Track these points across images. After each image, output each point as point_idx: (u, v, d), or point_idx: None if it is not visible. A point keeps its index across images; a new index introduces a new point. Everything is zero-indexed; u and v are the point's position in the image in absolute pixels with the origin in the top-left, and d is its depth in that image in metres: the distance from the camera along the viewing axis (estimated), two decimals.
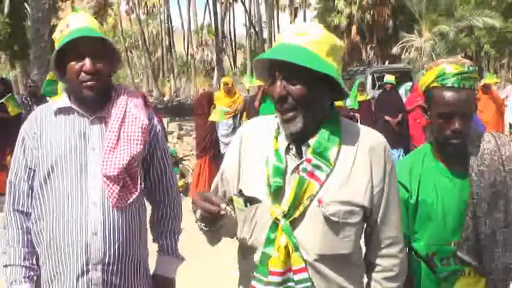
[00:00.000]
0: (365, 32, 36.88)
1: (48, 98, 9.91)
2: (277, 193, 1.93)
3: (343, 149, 1.96)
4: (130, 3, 56.59)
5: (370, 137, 2.03)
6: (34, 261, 2.54)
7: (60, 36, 2.42)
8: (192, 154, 11.82)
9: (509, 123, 11.32)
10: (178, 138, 15.72)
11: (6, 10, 20.14)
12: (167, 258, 2.71)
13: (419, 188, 2.43)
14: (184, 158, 12.72)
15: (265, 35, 43.79)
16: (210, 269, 6.57)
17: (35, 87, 12.32)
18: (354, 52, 36.25)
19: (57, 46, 2.39)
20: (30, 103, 11.11)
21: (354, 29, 35.42)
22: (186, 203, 11.00)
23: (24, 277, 2.47)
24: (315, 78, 1.87)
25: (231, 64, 53.98)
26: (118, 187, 2.40)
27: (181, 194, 10.43)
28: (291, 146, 1.98)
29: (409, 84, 14.22)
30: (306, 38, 1.89)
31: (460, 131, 2.28)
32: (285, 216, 1.90)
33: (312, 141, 1.94)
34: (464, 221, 2.36)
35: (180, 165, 11.75)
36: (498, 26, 31.17)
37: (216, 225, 1.95)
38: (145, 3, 62.71)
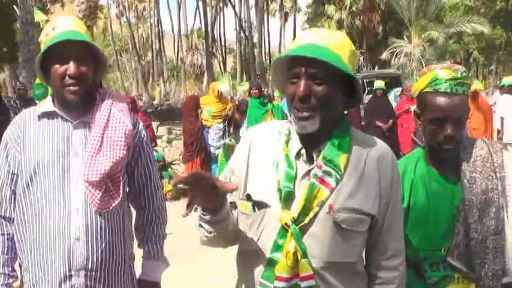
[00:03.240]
0: (355, 37, 36.99)
1: (37, 101, 9.90)
2: (287, 198, 1.89)
3: (353, 157, 1.95)
4: (121, 7, 56.54)
5: (378, 147, 2.02)
6: (14, 268, 2.52)
7: (46, 39, 2.42)
8: (182, 158, 11.79)
9: (497, 129, 11.36)
10: (167, 142, 15.73)
11: None
12: (153, 263, 2.69)
13: (411, 192, 2.41)
14: (174, 162, 12.72)
15: (255, 39, 43.81)
16: (196, 274, 6.56)
17: (23, 90, 12.30)
18: None
19: (42, 49, 2.38)
20: (18, 106, 11.08)
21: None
22: (176, 207, 10.96)
23: (2, 284, 2.45)
24: (337, 82, 1.88)
25: (221, 68, 53.97)
26: (100, 192, 2.38)
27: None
28: (301, 152, 1.96)
29: (399, 89, 14.32)
30: (330, 41, 1.90)
31: (452, 136, 2.27)
32: (295, 222, 1.86)
33: (323, 147, 1.93)
34: (454, 226, 2.35)
35: (169, 169, 11.74)
36: (487, 33, 31.38)
37: (216, 212, 1.90)
38: (136, 6, 62.62)
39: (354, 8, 33.45)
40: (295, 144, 1.98)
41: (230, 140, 10.16)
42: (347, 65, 1.89)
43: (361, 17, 34.14)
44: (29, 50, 16.77)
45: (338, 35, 1.96)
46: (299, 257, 1.84)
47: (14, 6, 17.19)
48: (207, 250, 7.61)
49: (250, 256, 2.02)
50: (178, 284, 5.87)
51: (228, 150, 10.13)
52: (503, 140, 11.07)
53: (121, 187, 2.47)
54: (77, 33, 2.39)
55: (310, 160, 1.95)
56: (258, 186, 2.00)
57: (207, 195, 1.80)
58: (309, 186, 1.88)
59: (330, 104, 1.89)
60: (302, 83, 1.86)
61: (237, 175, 2.08)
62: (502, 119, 11.17)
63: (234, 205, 2.08)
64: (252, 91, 10.84)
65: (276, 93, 11.45)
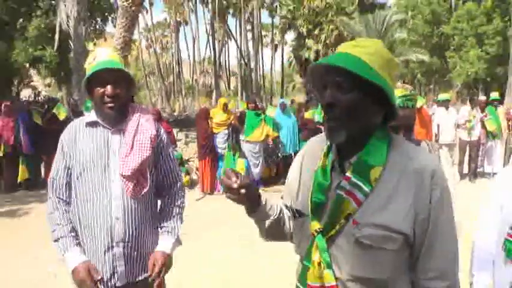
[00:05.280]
0: None
1: (86, 113, 9.97)
2: (317, 209, 1.55)
3: (388, 170, 1.49)
4: (149, 40, 56.55)
5: (420, 159, 1.51)
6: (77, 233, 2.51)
7: (89, 67, 2.44)
8: (196, 156, 11.80)
9: (435, 134, 11.49)
10: (185, 144, 15.76)
11: (55, 45, 20.26)
12: (169, 238, 2.61)
13: None
14: (190, 160, 12.75)
15: (252, 65, 43.88)
16: (203, 248, 6.53)
17: (75, 105, 12.60)
18: None
19: (87, 74, 2.40)
20: (71, 117, 11.15)
21: None
22: (191, 194, 10.98)
23: (74, 244, 2.43)
24: (366, 91, 1.47)
25: (226, 87, 53.95)
26: (132, 184, 2.41)
27: (186, 187, 10.54)
28: (335, 163, 1.58)
29: None
30: (361, 50, 1.51)
31: None
32: (322, 232, 1.53)
33: (353, 159, 1.53)
34: None
35: (186, 165, 11.77)
36: (426, 60, 31.51)
37: (251, 207, 1.70)
38: (161, 40, 62.79)
39: (327, 41, 33.35)
40: (333, 155, 1.60)
41: (232, 143, 10.24)
42: (377, 73, 1.47)
43: (333, 48, 33.98)
44: (79, 75, 16.77)
45: (373, 44, 1.55)
46: (322, 267, 1.53)
47: (69, 41, 17.24)
48: (213, 229, 7.66)
49: (299, 259, 1.72)
50: (191, 252, 5.86)
51: (231, 150, 10.18)
52: (439, 141, 11.20)
53: (148, 179, 2.49)
54: (113, 62, 2.42)
55: (343, 171, 1.55)
56: (301, 195, 1.68)
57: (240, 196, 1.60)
58: (336, 198, 1.50)
59: (355, 113, 1.48)
60: (328, 91, 1.50)
61: (291, 183, 1.78)
62: (438, 125, 11.29)
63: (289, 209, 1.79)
64: (249, 105, 10.94)
65: (269, 108, 11.52)
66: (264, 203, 1.72)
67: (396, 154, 1.52)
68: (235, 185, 1.57)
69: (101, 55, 2.47)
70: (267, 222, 1.74)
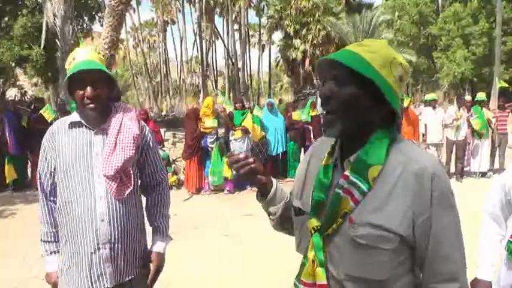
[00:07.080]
0: (315, 63, 36.95)
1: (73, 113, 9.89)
2: (317, 207, 1.53)
3: (388, 169, 1.44)
4: (136, 40, 56.31)
5: (420, 161, 1.44)
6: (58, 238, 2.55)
7: (69, 67, 2.42)
8: (183, 157, 11.78)
9: (422, 133, 11.59)
10: (172, 144, 15.69)
11: (42, 44, 20.06)
12: (161, 237, 2.68)
13: None
14: (177, 160, 12.70)
15: (240, 65, 43.91)
16: (193, 245, 6.53)
17: (62, 104, 12.47)
18: (308, 79, 36.33)
19: (67, 75, 2.38)
20: (59, 117, 11.06)
21: (307, 61, 35.42)
22: (179, 194, 10.93)
23: (55, 251, 2.54)
24: (363, 87, 1.45)
25: (213, 87, 53.80)
26: (116, 184, 2.38)
27: (174, 187, 10.54)
28: (336, 162, 1.56)
29: None
30: (363, 48, 1.49)
31: None
32: (319, 230, 1.51)
33: (353, 157, 1.50)
34: None
35: (173, 165, 11.73)
36: (414, 61, 31.69)
37: (264, 196, 1.71)
38: (148, 39, 62.46)
39: (314, 41, 33.37)
40: (336, 153, 1.58)
41: (220, 143, 10.30)
42: (374, 70, 1.45)
43: (321, 48, 34.03)
44: (66, 74, 16.67)
45: (376, 42, 1.54)
46: (315, 265, 1.51)
47: (56, 40, 17.10)
48: (201, 229, 7.63)
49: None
50: (179, 251, 5.85)
51: (219, 149, 10.20)
52: (427, 141, 11.33)
53: (132, 179, 2.47)
54: (92, 63, 2.38)
55: (343, 170, 1.53)
56: (305, 194, 1.66)
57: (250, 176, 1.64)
58: (334, 196, 1.48)
59: (350, 108, 1.46)
60: (326, 85, 1.51)
61: (297, 182, 1.74)
62: (425, 125, 11.39)
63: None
64: (236, 105, 11.00)
65: (256, 109, 11.56)
66: (275, 186, 1.72)
67: (397, 154, 1.47)
68: (241, 155, 1.62)
69: (80, 55, 2.44)
70: (279, 208, 1.73)
